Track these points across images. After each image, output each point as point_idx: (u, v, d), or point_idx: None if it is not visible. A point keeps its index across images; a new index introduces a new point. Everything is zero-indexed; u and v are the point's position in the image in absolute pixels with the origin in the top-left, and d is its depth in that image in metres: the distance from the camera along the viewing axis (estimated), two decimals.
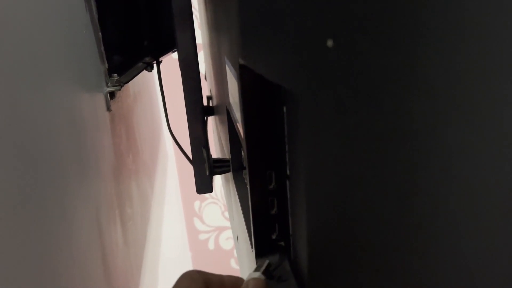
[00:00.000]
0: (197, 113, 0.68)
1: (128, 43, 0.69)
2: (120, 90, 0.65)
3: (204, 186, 0.71)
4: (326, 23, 0.18)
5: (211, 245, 2.09)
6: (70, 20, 0.52)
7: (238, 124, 0.42)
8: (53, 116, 0.41)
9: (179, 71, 0.67)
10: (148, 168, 1.12)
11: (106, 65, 0.63)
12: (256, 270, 0.34)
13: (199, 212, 2.03)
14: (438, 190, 0.12)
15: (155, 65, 0.75)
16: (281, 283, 0.34)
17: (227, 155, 0.67)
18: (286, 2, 0.22)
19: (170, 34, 0.69)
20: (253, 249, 0.39)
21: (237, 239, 0.69)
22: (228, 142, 0.59)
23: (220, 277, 0.31)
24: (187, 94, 0.66)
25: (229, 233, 2.05)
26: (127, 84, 0.68)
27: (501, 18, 0.09)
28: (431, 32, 0.11)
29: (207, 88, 1.08)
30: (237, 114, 0.41)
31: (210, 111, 0.84)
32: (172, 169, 1.84)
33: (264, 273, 0.33)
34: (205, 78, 1.14)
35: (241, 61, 0.31)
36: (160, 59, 0.75)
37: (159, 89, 0.78)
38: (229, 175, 0.67)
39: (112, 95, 0.66)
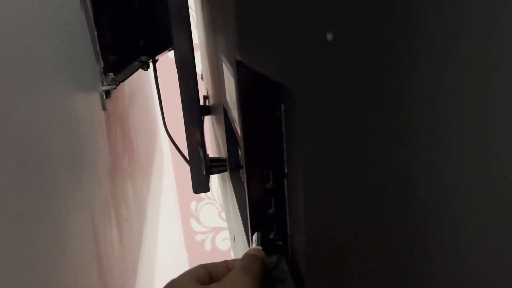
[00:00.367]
0: (194, 112, 0.67)
1: (124, 42, 0.69)
2: (115, 89, 0.64)
3: (200, 185, 0.71)
4: (325, 16, 0.17)
5: (207, 246, 2.09)
6: (65, 19, 0.52)
7: (235, 123, 0.42)
8: (46, 115, 0.40)
9: (175, 72, 0.66)
10: (144, 169, 1.11)
11: (102, 63, 0.62)
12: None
13: (196, 213, 2.03)
14: (438, 189, 0.11)
15: (151, 64, 0.75)
16: (279, 282, 0.34)
17: (223, 155, 0.67)
18: None
19: (166, 33, 0.68)
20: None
21: (234, 239, 0.69)
22: (225, 141, 0.59)
23: (223, 262, 0.32)
24: (184, 93, 0.66)
25: (225, 234, 2.04)
26: (122, 84, 0.67)
27: (502, 17, 0.08)
28: (432, 29, 0.11)
29: (203, 88, 1.07)
30: (234, 113, 0.40)
31: (206, 110, 0.83)
32: (168, 170, 1.83)
33: (259, 244, 0.35)
34: (202, 78, 1.14)
35: (238, 58, 0.30)
36: (156, 58, 0.75)
37: (155, 88, 0.77)
38: (226, 174, 0.67)
39: (107, 94, 0.65)
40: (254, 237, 0.36)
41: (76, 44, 0.54)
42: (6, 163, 0.30)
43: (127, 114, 0.91)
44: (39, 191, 0.36)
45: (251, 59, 0.29)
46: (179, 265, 1.82)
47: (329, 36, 0.17)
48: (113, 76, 0.63)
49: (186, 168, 0.75)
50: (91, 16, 0.60)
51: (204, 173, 0.66)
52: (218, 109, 0.63)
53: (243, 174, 0.53)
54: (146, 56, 0.73)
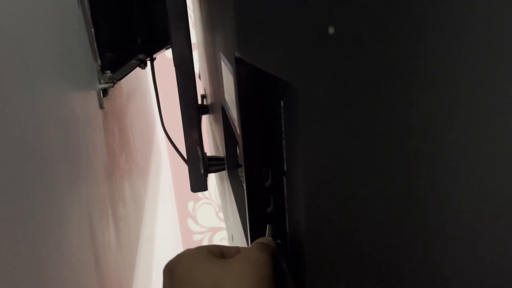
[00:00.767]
0: (192, 110, 0.67)
1: (122, 40, 0.68)
2: (113, 87, 0.64)
3: (198, 184, 0.70)
4: (326, 10, 0.17)
5: None
6: (62, 16, 0.51)
7: (233, 121, 0.42)
8: (43, 113, 0.40)
9: (173, 71, 0.66)
10: (141, 168, 1.11)
11: (99, 61, 0.62)
12: None
13: (193, 212, 2.02)
14: (440, 187, 0.11)
15: (148, 62, 0.75)
16: (278, 281, 0.33)
17: (222, 154, 0.67)
18: None
19: (164, 31, 0.68)
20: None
21: (232, 238, 0.68)
22: (223, 140, 0.58)
23: (236, 247, 0.33)
24: (182, 91, 0.65)
25: (223, 234, 2.04)
26: (120, 82, 0.67)
27: (504, 17, 0.08)
28: (436, 23, 0.10)
29: (201, 87, 1.07)
30: (233, 111, 0.40)
31: (204, 109, 0.83)
32: (166, 170, 1.83)
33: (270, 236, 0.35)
34: (199, 77, 1.14)
35: (237, 54, 0.30)
36: (154, 56, 0.74)
37: (153, 87, 0.77)
38: (224, 173, 0.66)
39: (105, 92, 0.65)
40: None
41: (73, 41, 0.54)
42: (2, 161, 0.30)
43: (124, 113, 0.91)
44: (35, 189, 0.36)
45: (250, 55, 0.28)
46: None
47: (331, 30, 0.17)
48: (111, 74, 0.63)
49: (184, 167, 0.75)
50: (89, 13, 0.60)
51: (202, 171, 0.66)
52: (216, 108, 0.63)
53: (241, 172, 0.53)
54: (143, 54, 0.72)
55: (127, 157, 0.89)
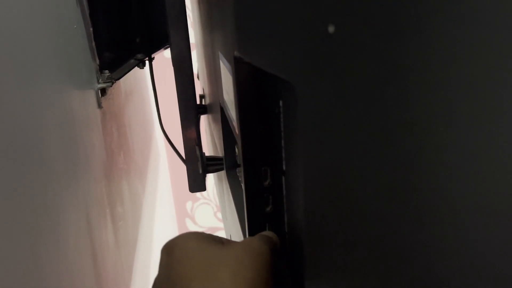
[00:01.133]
0: (191, 110, 0.67)
1: (120, 39, 0.68)
2: (111, 86, 0.64)
3: (197, 184, 0.70)
4: (327, 8, 0.17)
5: None
6: (61, 15, 0.51)
7: (232, 121, 0.42)
8: (40, 112, 0.40)
9: (171, 71, 0.66)
10: (139, 168, 1.11)
11: (98, 61, 0.62)
12: None
13: (191, 212, 2.02)
14: (439, 187, 0.11)
15: (147, 62, 0.74)
16: (277, 279, 0.33)
17: (220, 154, 0.67)
18: None
19: (163, 30, 0.68)
20: None
21: (230, 238, 0.68)
22: (222, 140, 0.58)
23: (237, 241, 0.33)
24: (180, 91, 0.65)
25: (221, 234, 2.03)
26: (118, 82, 0.67)
27: (504, 16, 0.08)
28: (436, 21, 0.10)
29: (199, 87, 1.07)
30: (232, 111, 0.40)
31: (203, 109, 0.83)
32: (164, 169, 1.82)
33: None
34: (198, 77, 1.14)
35: (236, 54, 0.30)
36: (152, 56, 0.74)
37: (151, 87, 0.77)
38: (223, 173, 0.66)
39: (103, 92, 0.65)
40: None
41: (72, 40, 0.54)
42: (2, 159, 0.30)
43: (123, 112, 0.90)
44: (33, 189, 0.35)
45: (250, 54, 0.28)
46: None
47: (331, 29, 0.17)
48: (109, 73, 0.63)
49: (182, 168, 0.75)
50: (87, 12, 0.60)
51: (200, 171, 0.66)
52: (214, 107, 0.63)
53: (240, 172, 0.53)
54: (142, 53, 0.72)
55: (125, 157, 0.89)
